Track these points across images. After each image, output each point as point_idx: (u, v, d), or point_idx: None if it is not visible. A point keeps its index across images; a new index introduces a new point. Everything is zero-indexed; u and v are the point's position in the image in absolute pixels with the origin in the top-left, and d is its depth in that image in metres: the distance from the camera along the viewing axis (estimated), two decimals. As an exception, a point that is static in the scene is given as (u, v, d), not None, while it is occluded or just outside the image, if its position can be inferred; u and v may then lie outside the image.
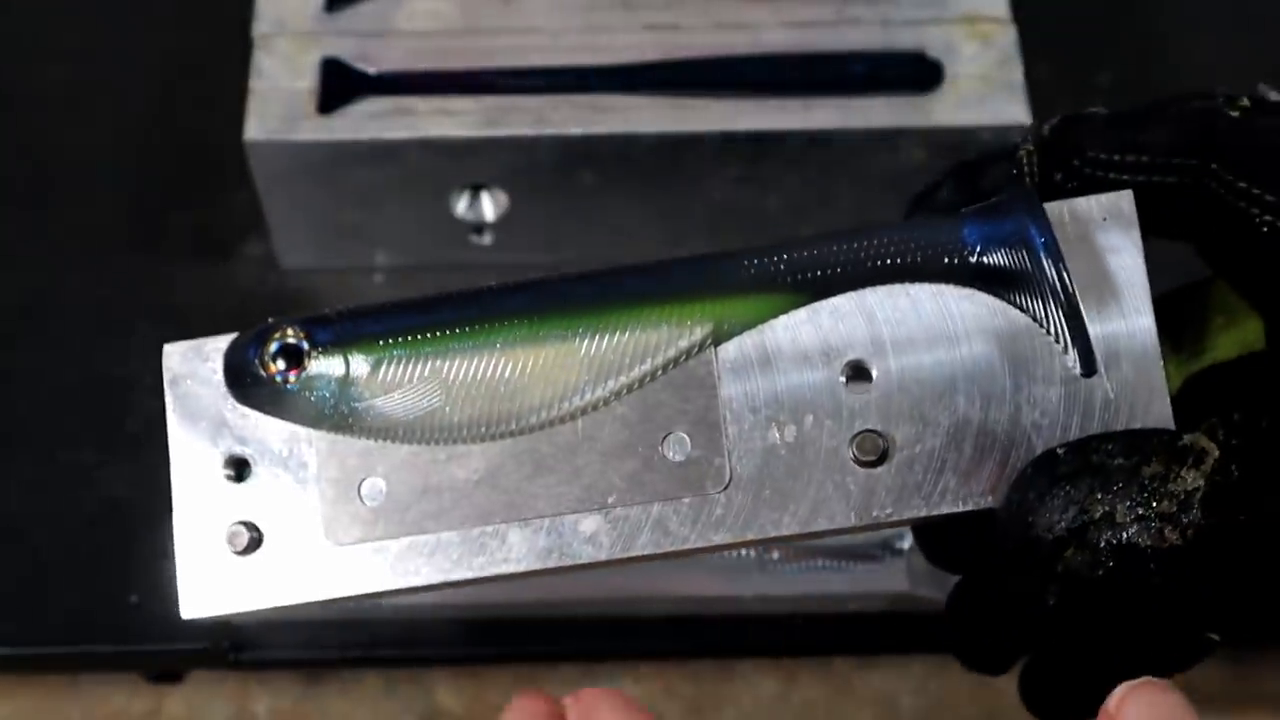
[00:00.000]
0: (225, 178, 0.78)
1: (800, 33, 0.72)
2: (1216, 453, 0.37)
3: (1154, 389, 0.39)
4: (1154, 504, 0.37)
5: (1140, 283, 0.39)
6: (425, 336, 0.40)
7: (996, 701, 0.74)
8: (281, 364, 0.40)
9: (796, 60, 0.72)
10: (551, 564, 0.41)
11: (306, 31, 0.72)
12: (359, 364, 0.40)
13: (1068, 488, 0.37)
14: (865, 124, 0.70)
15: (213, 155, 0.78)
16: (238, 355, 0.41)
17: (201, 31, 0.85)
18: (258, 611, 0.41)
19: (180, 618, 0.42)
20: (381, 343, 0.40)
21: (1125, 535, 0.37)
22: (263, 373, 0.41)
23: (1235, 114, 0.40)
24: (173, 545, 0.42)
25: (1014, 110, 0.68)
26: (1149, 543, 0.37)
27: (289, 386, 0.40)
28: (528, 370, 0.40)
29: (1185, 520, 0.36)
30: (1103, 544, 0.37)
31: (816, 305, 0.40)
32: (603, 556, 0.41)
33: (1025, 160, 0.41)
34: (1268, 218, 0.38)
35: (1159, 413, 0.39)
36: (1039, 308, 0.39)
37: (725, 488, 0.40)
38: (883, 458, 0.40)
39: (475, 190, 0.73)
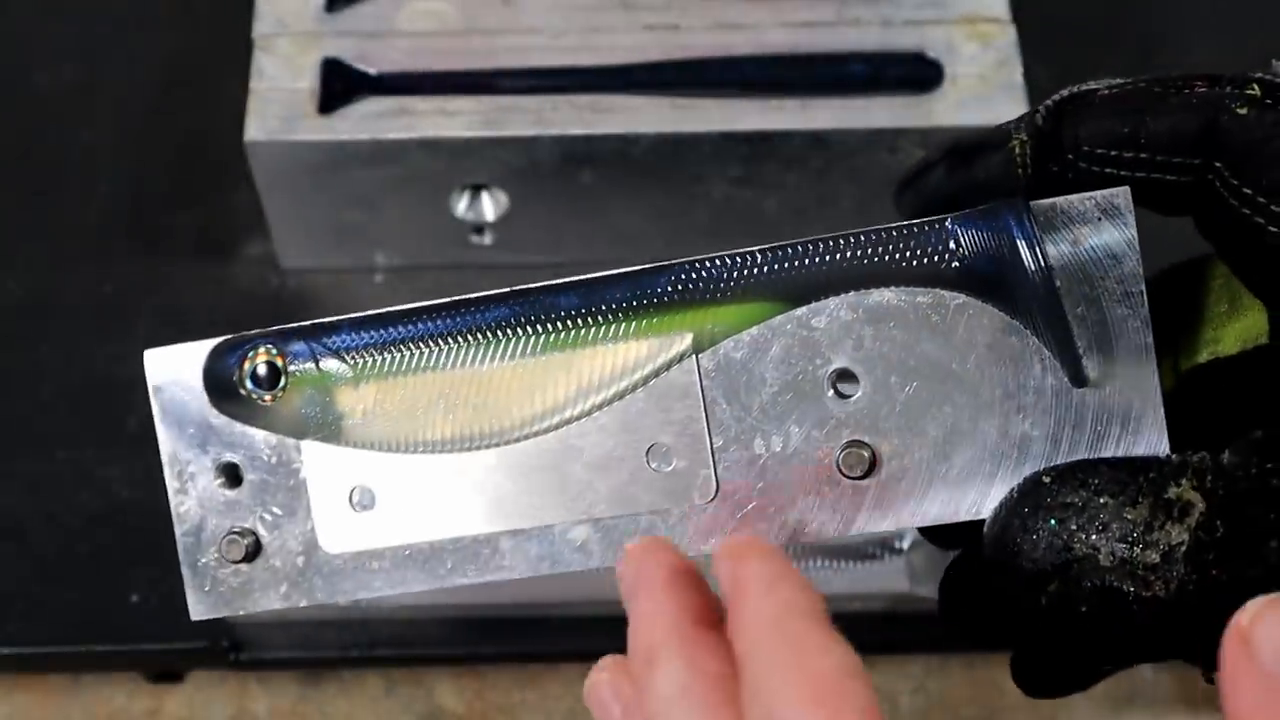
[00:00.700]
0: (225, 178, 0.78)
1: (800, 33, 0.72)
2: (1202, 505, 0.36)
3: (1147, 403, 0.38)
4: (1138, 550, 0.36)
5: (1136, 288, 0.38)
6: (403, 350, 0.40)
7: (996, 701, 0.74)
8: (259, 381, 0.40)
9: (796, 60, 0.72)
10: (543, 571, 0.41)
11: (307, 32, 0.72)
12: (337, 379, 0.40)
13: (1052, 521, 0.37)
14: (865, 124, 0.70)
15: (213, 155, 0.78)
16: (215, 369, 0.41)
17: (201, 31, 0.85)
18: (262, 613, 0.41)
19: (180, 618, 0.42)
20: (359, 357, 0.40)
21: (1109, 579, 0.36)
22: (241, 389, 0.40)
23: (1242, 109, 0.37)
24: (175, 548, 0.42)
25: (1014, 110, 0.68)
26: (1132, 589, 0.36)
27: (268, 403, 0.40)
28: (509, 383, 0.40)
29: (1170, 573, 0.35)
30: (1085, 584, 0.36)
31: (800, 311, 0.39)
32: (593, 564, 0.41)
33: (1018, 151, 0.39)
34: (1273, 229, 0.36)
35: (1152, 431, 0.38)
36: (1026, 313, 0.38)
37: (712, 499, 0.40)
38: (870, 469, 0.39)
39: (475, 190, 0.73)
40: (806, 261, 0.39)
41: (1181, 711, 0.74)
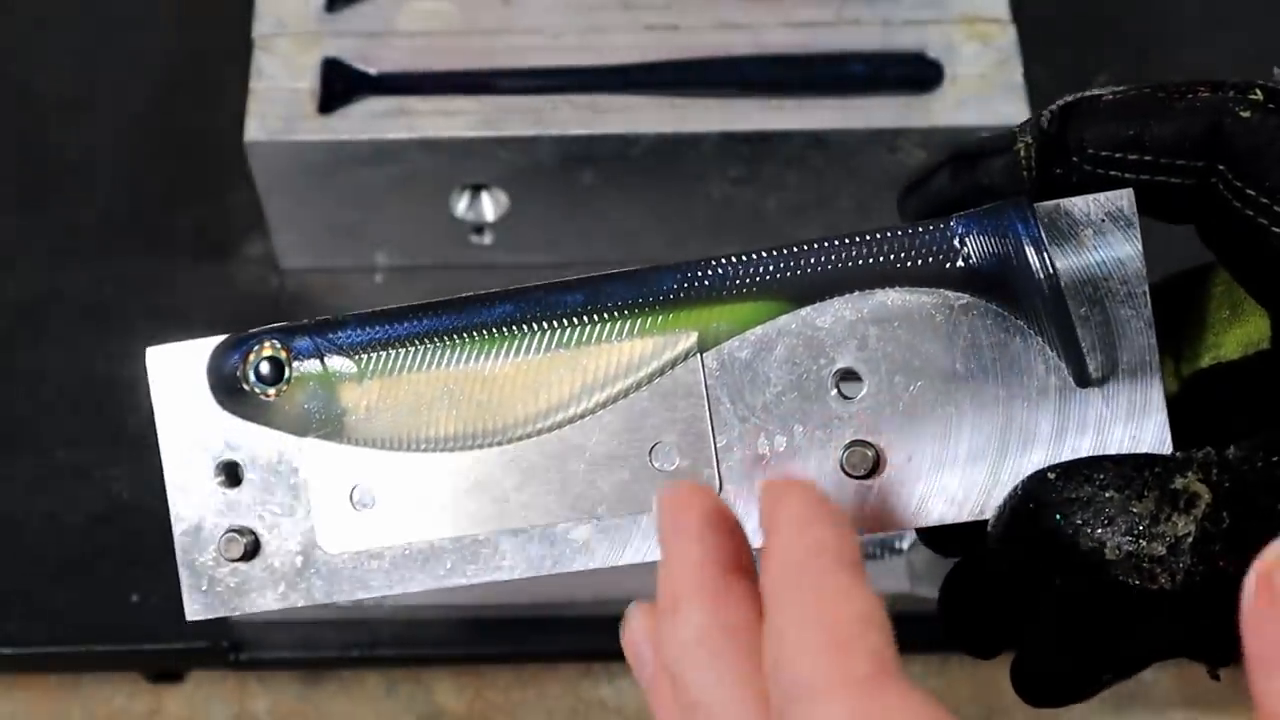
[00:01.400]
0: (225, 178, 0.78)
1: (800, 33, 0.72)
2: (1208, 497, 0.36)
3: (1151, 403, 0.38)
4: (1144, 543, 0.36)
5: (1140, 289, 0.38)
6: (408, 347, 0.40)
7: (996, 701, 0.74)
8: (263, 376, 0.40)
9: (796, 60, 0.72)
10: (545, 571, 0.41)
11: (307, 31, 0.72)
12: (341, 375, 0.40)
13: (1058, 517, 0.36)
14: (865, 124, 0.70)
15: (213, 155, 0.78)
16: (219, 365, 0.41)
17: (201, 31, 0.85)
18: (260, 613, 0.41)
19: (181, 617, 0.42)
20: (363, 354, 0.40)
21: (1114, 574, 0.36)
22: (244, 385, 0.40)
23: (1246, 113, 0.37)
24: (174, 548, 0.42)
25: (1014, 110, 0.68)
26: (1138, 582, 0.36)
27: (271, 398, 0.40)
28: (513, 380, 0.40)
29: (1176, 565, 0.35)
30: (1091, 580, 0.36)
31: (805, 311, 0.39)
32: (595, 564, 0.41)
33: (1023, 154, 0.39)
34: (1276, 230, 0.36)
35: (1156, 430, 0.38)
36: (1031, 314, 0.38)
37: None
38: (873, 469, 0.39)
39: (475, 190, 0.73)
40: (811, 262, 0.39)
41: (1181, 711, 0.74)
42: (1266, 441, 0.36)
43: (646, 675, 0.36)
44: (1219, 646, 0.37)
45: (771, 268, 0.39)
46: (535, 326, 0.40)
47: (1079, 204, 0.38)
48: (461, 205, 0.74)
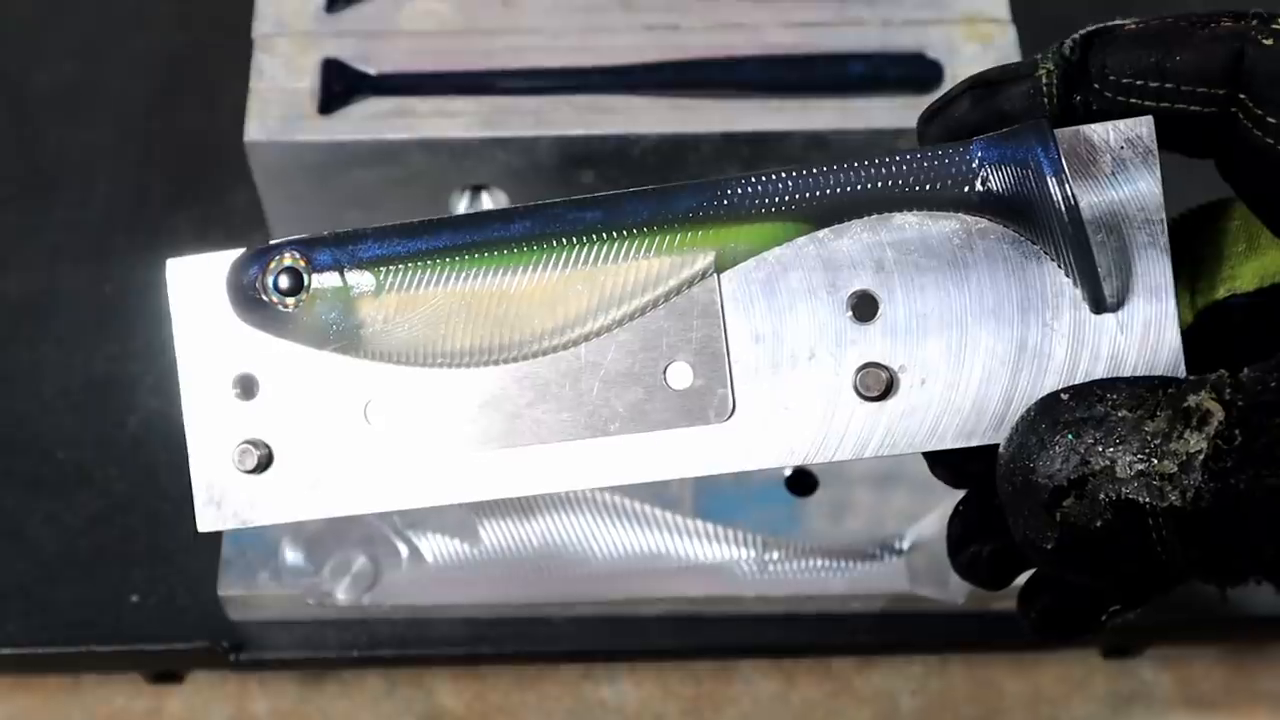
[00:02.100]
0: (225, 178, 0.78)
1: (800, 33, 0.72)
2: (1221, 415, 0.36)
3: (1166, 329, 0.38)
4: (1155, 461, 0.36)
5: (1157, 216, 0.38)
6: (427, 261, 0.40)
7: (996, 701, 0.74)
8: (282, 286, 0.40)
9: (796, 60, 0.72)
10: (555, 489, 0.41)
11: (307, 32, 0.72)
12: (360, 287, 0.40)
13: (1070, 436, 0.37)
14: (865, 124, 0.70)
15: (213, 155, 0.78)
16: (239, 276, 0.41)
17: (201, 31, 0.85)
18: (273, 525, 0.41)
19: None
20: (382, 266, 0.40)
21: (1125, 491, 0.36)
22: (263, 295, 0.40)
23: (1268, 41, 0.37)
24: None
25: (1014, 110, 0.68)
26: (1149, 500, 0.36)
27: (290, 309, 0.40)
28: (530, 296, 0.40)
29: (1186, 482, 0.36)
30: (1102, 497, 0.36)
31: (822, 233, 0.39)
32: (609, 481, 0.40)
33: (1044, 81, 0.40)
34: None
35: (1170, 355, 0.38)
36: (1048, 239, 0.38)
37: (728, 417, 0.40)
38: (886, 392, 0.39)
39: (475, 190, 0.73)
40: (831, 183, 0.39)
41: (1181, 711, 0.74)
42: None
43: None
44: (1229, 566, 0.37)
45: (791, 189, 0.39)
46: (553, 243, 0.39)
47: (1099, 130, 0.38)
48: (461, 206, 0.74)
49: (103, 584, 0.71)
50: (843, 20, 0.72)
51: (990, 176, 0.38)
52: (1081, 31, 0.40)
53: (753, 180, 0.39)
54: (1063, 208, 0.37)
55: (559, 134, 0.70)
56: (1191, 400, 0.36)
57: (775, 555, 0.69)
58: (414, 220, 0.40)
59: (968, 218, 0.39)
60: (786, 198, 0.39)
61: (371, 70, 0.71)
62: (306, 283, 0.40)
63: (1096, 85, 0.39)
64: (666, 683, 0.73)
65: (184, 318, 0.41)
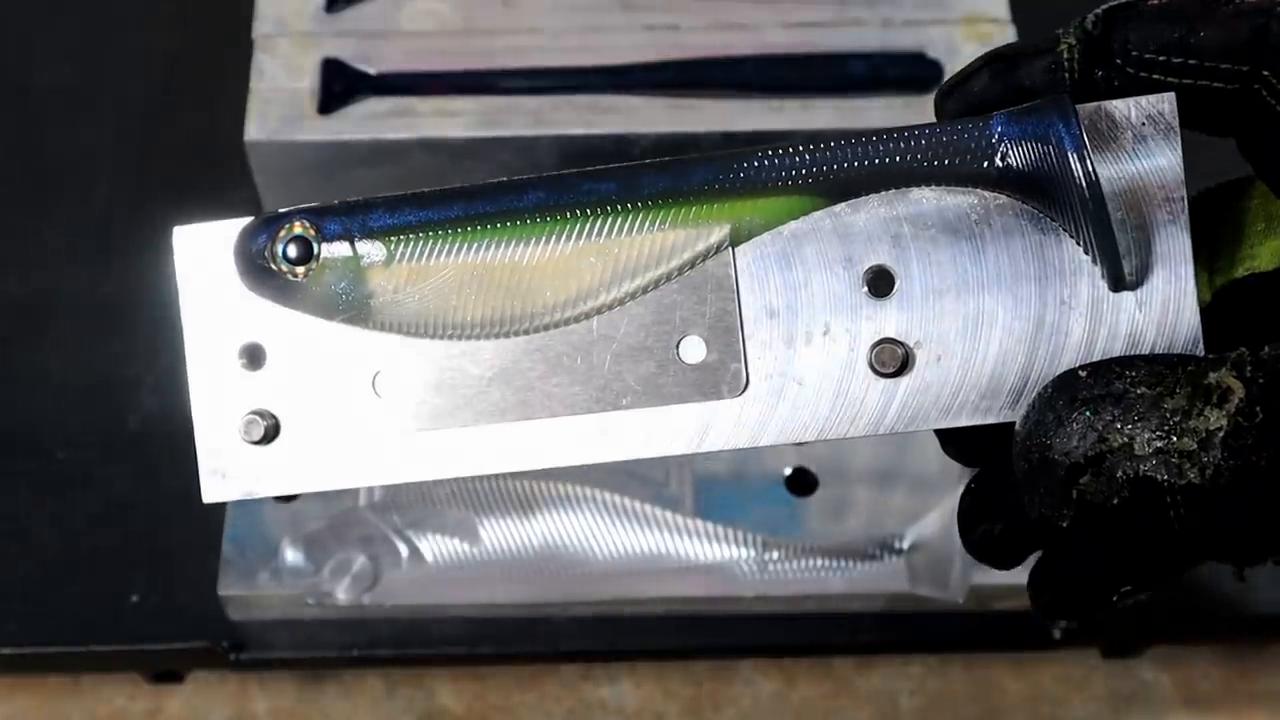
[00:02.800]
0: (225, 178, 0.78)
1: (800, 33, 0.72)
2: (1242, 392, 0.35)
3: (1185, 308, 0.38)
4: (1174, 439, 0.36)
5: (1177, 194, 0.38)
6: (439, 231, 0.39)
7: (996, 701, 0.74)
8: (291, 255, 0.40)
9: (796, 60, 0.72)
10: (566, 463, 0.40)
11: (307, 32, 0.72)
12: (370, 257, 0.39)
13: (1087, 413, 0.36)
14: (865, 124, 0.70)
15: (213, 155, 0.78)
16: (247, 245, 0.40)
17: (201, 31, 0.85)
18: (279, 495, 0.40)
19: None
20: (394, 236, 0.39)
21: (1143, 468, 0.36)
22: (272, 264, 0.40)
23: None
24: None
25: (1014, 110, 0.68)
26: (1167, 477, 0.36)
27: (299, 278, 0.40)
28: (543, 268, 0.39)
29: (1205, 459, 0.35)
30: (1120, 475, 0.36)
31: (839, 207, 0.39)
32: (620, 456, 0.40)
33: (1066, 55, 0.39)
34: None
35: (1189, 333, 0.38)
36: (1068, 215, 0.38)
37: (741, 392, 0.39)
38: (902, 368, 0.39)
39: (475, 190, 0.73)
40: (848, 157, 0.39)
41: (1181, 711, 0.74)
42: None
43: None
44: (1246, 545, 0.37)
45: (808, 162, 0.39)
46: (567, 214, 0.39)
47: (1120, 106, 0.38)
48: (461, 205, 0.74)
49: (103, 584, 0.71)
50: (842, 20, 0.72)
51: (1010, 152, 0.38)
52: (1104, 6, 0.39)
53: (769, 153, 0.39)
54: (1084, 184, 0.36)
55: (559, 134, 0.70)
56: (1212, 377, 0.36)
57: (775, 555, 0.69)
58: (426, 190, 0.40)
59: (986, 193, 0.38)
60: (803, 171, 0.39)
61: (371, 70, 0.71)
62: (316, 251, 0.39)
63: (1119, 60, 0.38)
64: (666, 683, 0.73)
65: (191, 286, 0.41)
